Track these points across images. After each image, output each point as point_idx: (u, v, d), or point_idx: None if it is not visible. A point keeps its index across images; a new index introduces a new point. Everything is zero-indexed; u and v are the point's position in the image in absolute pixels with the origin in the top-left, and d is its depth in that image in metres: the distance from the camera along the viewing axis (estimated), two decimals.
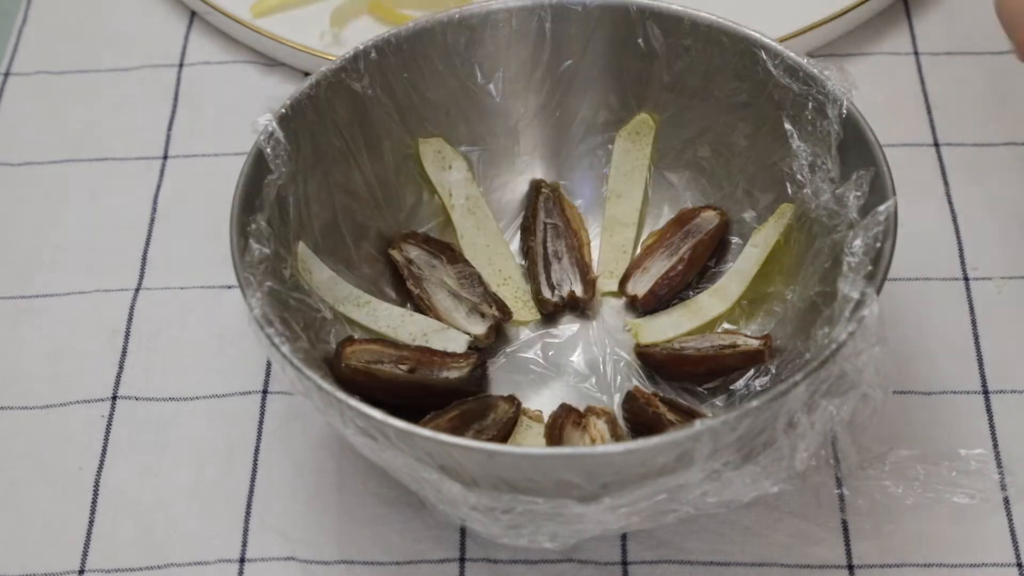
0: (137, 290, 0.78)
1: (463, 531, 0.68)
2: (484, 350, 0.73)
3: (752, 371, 0.70)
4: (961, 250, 0.78)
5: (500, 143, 0.77)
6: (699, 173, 0.75)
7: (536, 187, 0.77)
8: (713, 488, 0.60)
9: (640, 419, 0.69)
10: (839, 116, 0.68)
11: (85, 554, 0.69)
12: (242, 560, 0.68)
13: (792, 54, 0.70)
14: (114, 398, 0.74)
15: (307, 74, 0.87)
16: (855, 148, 0.68)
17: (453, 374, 0.70)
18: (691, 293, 0.74)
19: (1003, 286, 0.76)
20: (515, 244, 0.77)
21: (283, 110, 0.70)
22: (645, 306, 0.74)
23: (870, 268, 0.64)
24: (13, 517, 0.70)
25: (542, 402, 0.71)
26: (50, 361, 0.75)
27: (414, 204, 0.76)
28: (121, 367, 0.75)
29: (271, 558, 0.68)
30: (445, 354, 0.71)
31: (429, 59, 0.74)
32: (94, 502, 0.70)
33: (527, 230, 0.76)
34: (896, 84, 0.86)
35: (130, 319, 0.77)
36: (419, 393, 0.70)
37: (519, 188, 0.78)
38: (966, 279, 0.77)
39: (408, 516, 0.69)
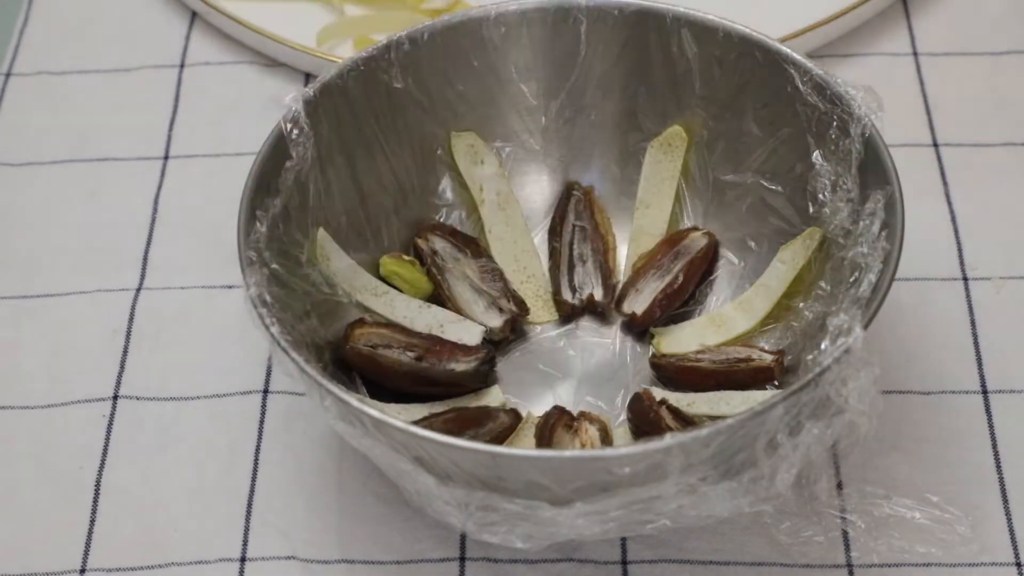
0: (138, 290, 0.78)
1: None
2: (496, 345, 0.73)
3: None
4: (960, 250, 0.78)
5: (531, 142, 0.77)
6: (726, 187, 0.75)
7: (569, 189, 0.77)
8: (690, 502, 0.60)
9: (641, 420, 0.69)
10: (861, 136, 0.68)
11: (86, 553, 0.69)
12: (243, 559, 0.68)
13: (820, 72, 0.70)
14: (115, 398, 0.74)
15: (308, 75, 0.87)
16: (873, 171, 0.68)
17: (459, 367, 0.70)
18: (696, 309, 0.74)
19: (1002, 286, 0.76)
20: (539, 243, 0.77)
21: (310, 93, 0.70)
22: (644, 323, 0.73)
23: (867, 297, 0.64)
24: (14, 516, 0.70)
25: (546, 403, 0.71)
26: (51, 361, 0.75)
27: (440, 196, 0.76)
28: (122, 367, 0.75)
29: (272, 557, 0.68)
30: (455, 346, 0.71)
31: (464, 53, 0.74)
32: (95, 501, 0.70)
33: (554, 231, 0.76)
34: (895, 84, 0.86)
35: (131, 319, 0.77)
36: (422, 382, 0.70)
37: (547, 188, 0.78)
38: (965, 279, 0.77)
39: (408, 515, 0.69)
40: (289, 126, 0.70)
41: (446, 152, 0.76)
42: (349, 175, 0.73)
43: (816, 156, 0.70)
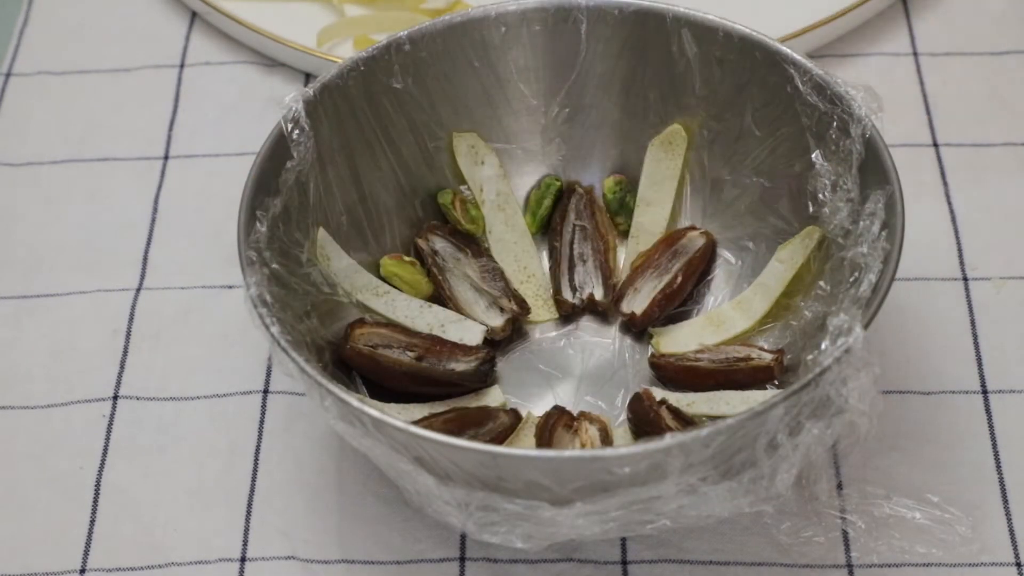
0: (138, 290, 0.78)
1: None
2: (496, 345, 0.73)
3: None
4: (960, 250, 0.78)
5: (531, 142, 0.77)
6: (724, 187, 0.75)
7: (570, 189, 0.77)
8: (690, 502, 0.60)
9: (641, 420, 0.69)
10: (862, 137, 0.68)
11: (86, 553, 0.69)
12: (243, 559, 0.69)
13: (820, 72, 0.70)
14: (115, 398, 0.74)
15: (308, 75, 0.87)
16: (873, 171, 0.68)
17: (460, 367, 0.70)
18: (694, 308, 0.74)
19: (1002, 286, 0.76)
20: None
21: (310, 93, 0.70)
22: (643, 323, 0.73)
23: (867, 297, 0.64)
24: (14, 516, 0.70)
25: (546, 403, 0.71)
26: (51, 361, 0.75)
27: (441, 196, 0.76)
28: (122, 367, 0.75)
29: (272, 557, 0.68)
30: (455, 346, 0.71)
31: (464, 53, 0.74)
32: (95, 501, 0.70)
33: (554, 230, 0.76)
34: (895, 84, 0.86)
35: (131, 319, 0.77)
36: (422, 382, 0.70)
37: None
38: (965, 279, 0.77)
39: (408, 515, 0.69)
40: (289, 126, 0.70)
41: (447, 152, 0.76)
42: (349, 175, 0.73)
43: (816, 156, 0.70)
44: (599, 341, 0.74)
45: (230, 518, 0.70)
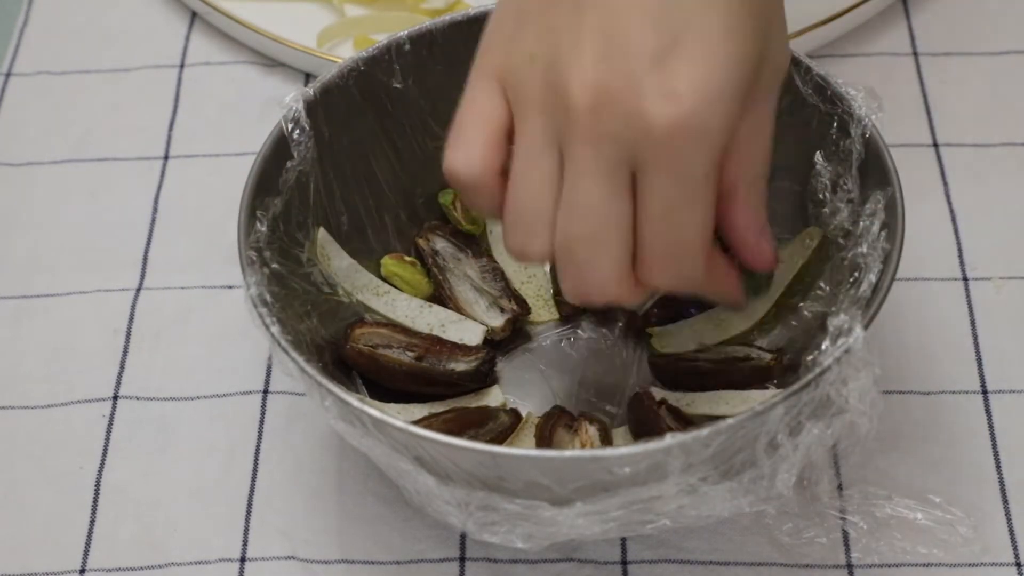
0: (138, 290, 0.78)
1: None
2: (496, 346, 0.73)
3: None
4: (960, 250, 0.78)
5: None
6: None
7: None
8: (691, 502, 0.60)
9: (641, 420, 0.69)
10: (862, 137, 0.68)
11: (86, 553, 0.69)
12: (243, 559, 0.69)
13: (821, 71, 0.69)
14: (115, 398, 0.74)
15: (308, 75, 0.87)
16: (874, 171, 0.68)
17: (460, 367, 0.70)
18: (692, 311, 0.74)
19: (1002, 286, 0.76)
20: None
21: (311, 93, 0.70)
22: (643, 323, 0.73)
23: (867, 297, 0.64)
24: (14, 516, 0.70)
25: (546, 403, 0.71)
26: (51, 361, 0.75)
27: (442, 195, 0.76)
28: (122, 367, 0.75)
29: (272, 557, 0.68)
30: (455, 346, 0.71)
31: (466, 53, 0.73)
32: (95, 501, 0.70)
33: None
34: (895, 84, 0.86)
35: (131, 319, 0.77)
36: (422, 382, 0.70)
37: None
38: (965, 279, 0.77)
39: (408, 516, 0.69)
40: (290, 126, 0.70)
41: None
42: (350, 175, 0.73)
43: (817, 156, 0.70)
44: (599, 341, 0.74)
45: (230, 518, 0.70)
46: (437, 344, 0.71)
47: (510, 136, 0.60)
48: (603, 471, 0.59)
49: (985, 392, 0.72)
